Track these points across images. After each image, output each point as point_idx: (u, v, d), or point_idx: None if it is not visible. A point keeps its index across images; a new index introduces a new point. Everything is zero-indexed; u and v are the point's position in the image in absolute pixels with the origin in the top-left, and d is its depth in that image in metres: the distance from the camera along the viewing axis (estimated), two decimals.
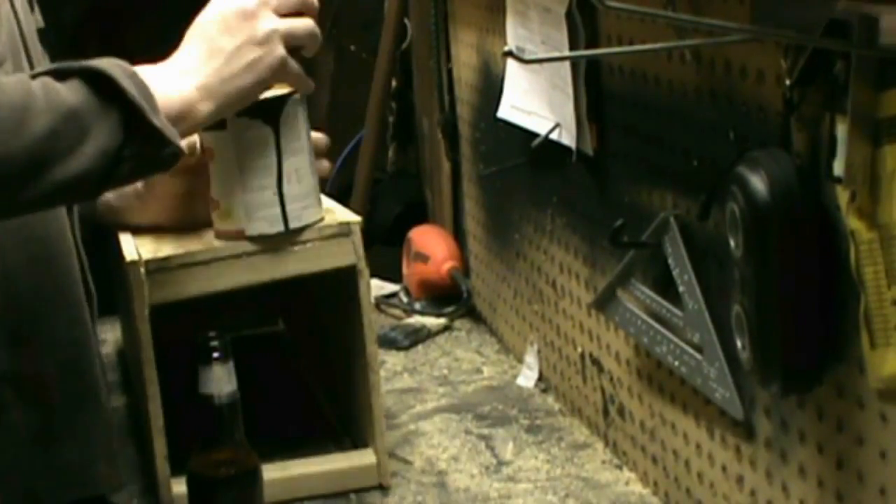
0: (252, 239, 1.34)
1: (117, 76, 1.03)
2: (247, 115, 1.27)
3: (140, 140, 1.04)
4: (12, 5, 1.17)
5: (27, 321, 1.15)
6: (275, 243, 1.34)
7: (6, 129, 0.97)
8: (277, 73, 1.20)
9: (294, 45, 1.21)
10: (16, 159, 0.98)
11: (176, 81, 1.12)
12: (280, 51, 1.19)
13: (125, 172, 1.05)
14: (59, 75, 1.03)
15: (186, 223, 1.40)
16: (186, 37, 1.18)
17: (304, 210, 1.35)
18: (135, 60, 1.13)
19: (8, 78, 1.02)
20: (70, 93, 1.02)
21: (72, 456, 1.19)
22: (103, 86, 1.03)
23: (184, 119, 1.12)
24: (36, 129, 0.98)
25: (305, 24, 1.22)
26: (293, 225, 1.34)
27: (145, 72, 1.10)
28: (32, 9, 1.23)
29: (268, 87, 1.23)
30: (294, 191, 1.33)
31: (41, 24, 1.24)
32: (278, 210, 1.33)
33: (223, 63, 1.16)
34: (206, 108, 1.14)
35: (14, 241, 1.13)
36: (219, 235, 1.35)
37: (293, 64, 1.21)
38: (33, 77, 1.03)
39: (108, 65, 1.05)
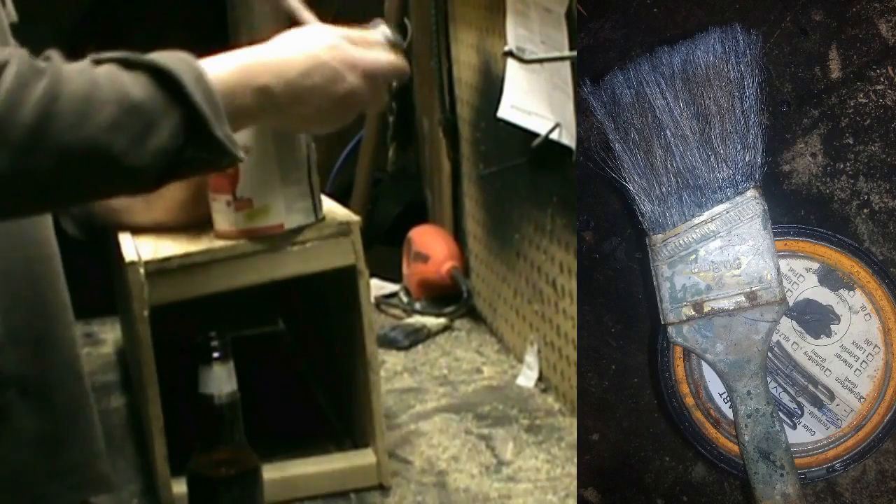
0: (288, 233, 1.34)
1: (185, 79, 1.02)
2: None
3: (201, 147, 1.04)
4: None
5: (29, 323, 1.15)
6: (303, 237, 1.35)
7: (68, 122, 0.96)
8: (320, 131, 1.24)
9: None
10: (76, 150, 0.97)
11: (255, 101, 1.11)
12: (353, 116, 1.20)
13: (182, 173, 1.05)
14: (126, 64, 1.02)
15: (188, 224, 1.40)
16: (297, 47, 1.15)
17: (322, 198, 1.39)
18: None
19: (72, 65, 1.00)
20: (136, 86, 1.00)
21: (77, 458, 1.19)
22: (170, 85, 1.02)
23: (239, 126, 1.12)
24: (99, 120, 0.97)
25: (396, 69, 1.23)
26: (319, 214, 1.37)
27: (230, 72, 1.09)
28: (4, 3, 1.22)
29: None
30: (314, 179, 1.36)
31: (14, 17, 1.22)
32: (310, 201, 1.36)
33: (309, 111, 1.15)
34: (261, 123, 1.18)
35: (12, 243, 1.13)
36: (247, 235, 1.34)
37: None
38: (98, 62, 1.02)
39: (177, 63, 1.03)
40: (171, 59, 1.04)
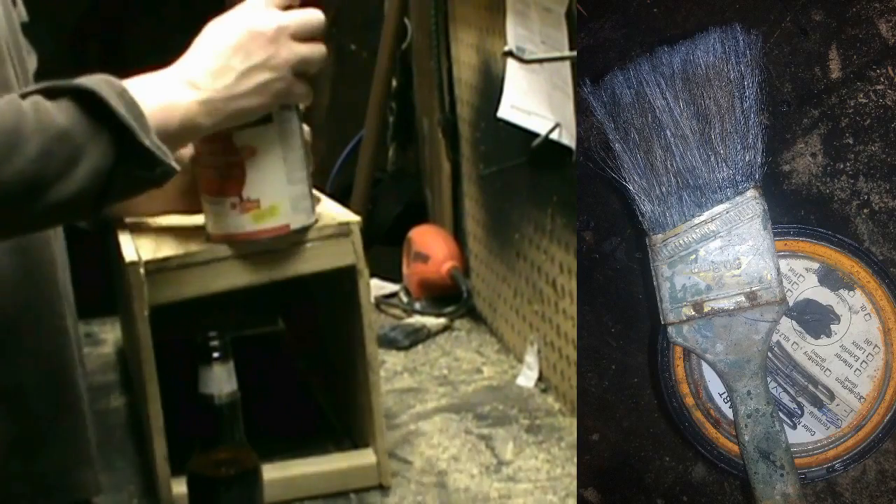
0: (294, 233, 1.34)
1: (107, 96, 1.02)
2: (286, 107, 1.28)
3: (132, 160, 1.04)
4: None
5: (9, 333, 1.15)
6: (303, 237, 1.35)
7: None
8: (280, 99, 1.21)
9: (304, 70, 1.22)
10: (9, 184, 0.97)
11: (180, 93, 1.12)
12: (289, 78, 1.20)
13: (118, 191, 1.05)
14: (49, 94, 1.02)
15: (190, 211, 1.40)
16: (198, 43, 1.17)
17: (315, 197, 1.38)
18: (139, 64, 1.13)
19: None
20: (60, 113, 1.01)
21: (50, 464, 1.19)
22: (94, 106, 1.02)
23: (183, 131, 1.12)
24: (28, 151, 0.98)
25: (319, 51, 1.22)
26: (315, 214, 1.37)
27: (147, 83, 1.10)
28: (15, 3, 1.22)
29: (269, 109, 1.23)
30: (309, 179, 1.35)
31: (25, 18, 1.22)
32: (310, 200, 1.35)
33: (232, 82, 1.16)
34: (205, 122, 1.15)
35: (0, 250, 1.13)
36: (255, 236, 1.33)
37: (299, 87, 1.22)
38: (23, 96, 1.02)
39: (98, 83, 1.03)
40: (93, 80, 1.04)
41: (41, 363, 1.17)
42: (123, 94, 1.04)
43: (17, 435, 1.15)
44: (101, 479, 1.24)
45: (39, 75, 1.23)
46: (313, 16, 1.22)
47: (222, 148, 1.29)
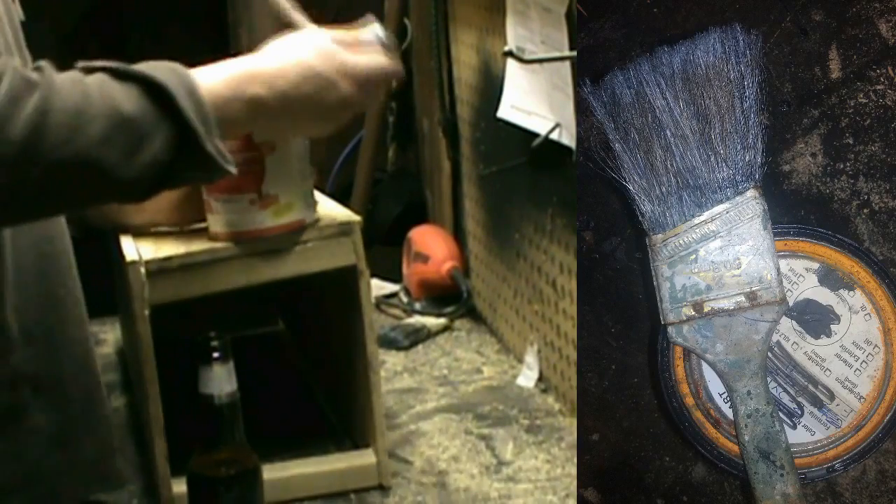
0: (306, 228, 1.35)
1: (176, 93, 1.01)
2: None
3: (191, 160, 1.04)
4: None
5: (41, 320, 1.15)
6: (303, 237, 1.35)
7: (60, 137, 0.96)
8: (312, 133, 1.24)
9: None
10: (68, 164, 0.97)
11: (246, 112, 1.10)
12: (346, 120, 1.20)
13: (172, 184, 1.05)
14: (118, 75, 1.01)
15: (181, 224, 1.40)
16: (289, 55, 1.14)
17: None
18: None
19: (63, 76, 1.00)
20: (127, 99, 1.00)
21: (90, 453, 1.19)
22: (161, 98, 1.01)
23: (230, 135, 1.12)
24: (91, 134, 0.97)
25: (389, 72, 1.22)
26: (316, 213, 1.38)
27: (222, 84, 1.08)
28: (14, 0, 1.22)
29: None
30: (313, 175, 1.36)
31: (21, 16, 1.22)
32: (313, 197, 1.37)
33: (301, 120, 1.16)
34: (253, 131, 1.17)
35: (24, 240, 1.13)
36: (274, 231, 1.33)
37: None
38: (89, 71, 1.02)
39: (169, 76, 1.02)
40: (163, 70, 1.03)
41: (73, 353, 1.18)
42: (193, 93, 1.03)
43: (58, 427, 1.16)
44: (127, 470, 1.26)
45: None
46: (391, 70, 1.22)
47: (242, 144, 1.29)
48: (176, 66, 1.05)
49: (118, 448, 1.24)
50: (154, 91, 1.01)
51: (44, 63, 1.00)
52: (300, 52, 1.15)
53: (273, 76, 1.12)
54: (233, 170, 1.07)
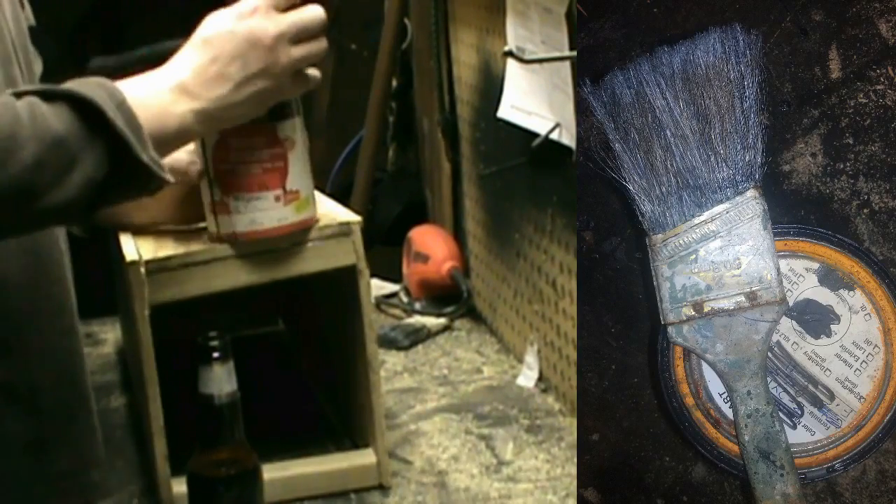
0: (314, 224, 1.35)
1: (105, 107, 1.00)
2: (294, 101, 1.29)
3: (127, 173, 1.02)
4: (0, 10, 1.15)
5: (20, 331, 1.15)
6: (304, 237, 1.36)
7: None
8: (275, 101, 1.19)
9: (302, 68, 1.19)
10: (2, 190, 0.97)
11: (175, 102, 1.09)
12: (286, 83, 1.17)
13: (110, 201, 1.04)
14: (46, 96, 1.01)
15: (182, 222, 1.40)
16: (194, 43, 1.13)
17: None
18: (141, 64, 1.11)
19: None
20: (56, 119, 0.99)
21: (64, 464, 1.19)
22: (91, 114, 1.00)
23: (177, 140, 1.10)
24: (23, 158, 0.96)
25: (318, 48, 1.19)
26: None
27: (140, 89, 1.07)
28: (23, 6, 1.21)
29: (259, 114, 1.20)
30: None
31: (32, 21, 1.22)
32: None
33: (229, 91, 1.13)
34: (200, 130, 1.12)
35: (8, 252, 1.13)
36: (295, 228, 1.33)
37: (296, 86, 1.19)
38: (19, 96, 1.02)
39: (97, 91, 1.02)
40: (91, 86, 1.02)
41: (53, 363, 1.17)
42: (122, 106, 1.02)
43: (31, 436, 1.15)
44: (110, 482, 1.25)
45: (44, 78, 1.23)
46: (313, 15, 1.18)
47: (267, 141, 1.29)
48: (104, 81, 1.04)
49: (103, 460, 1.23)
50: (83, 107, 1.00)
51: None
52: (210, 24, 1.14)
53: (187, 58, 1.11)
54: (169, 178, 1.06)
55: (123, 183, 1.03)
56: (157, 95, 1.08)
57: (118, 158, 1.01)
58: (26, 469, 1.15)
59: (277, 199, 1.31)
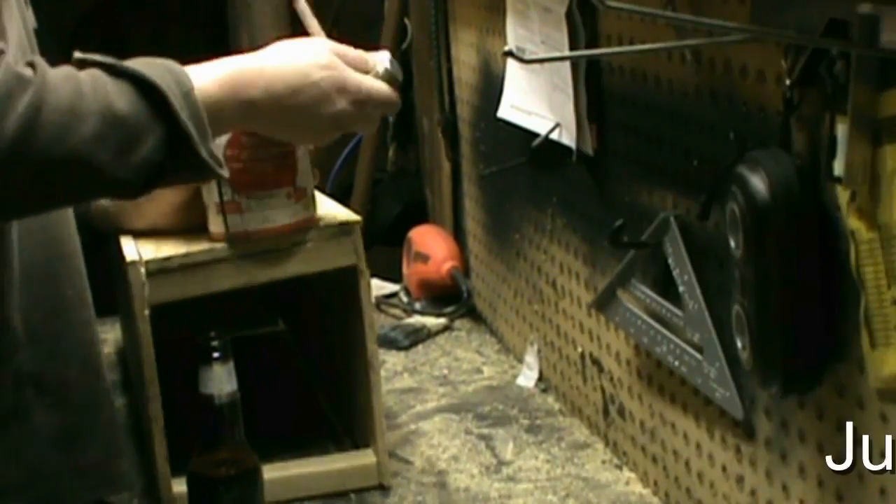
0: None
1: (171, 95, 1.01)
2: None
3: (183, 163, 1.04)
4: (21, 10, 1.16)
5: (47, 321, 1.15)
6: (304, 237, 1.36)
7: (52, 134, 0.96)
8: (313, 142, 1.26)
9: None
10: (59, 162, 0.97)
11: (238, 118, 1.11)
12: (337, 135, 1.21)
13: (163, 184, 1.05)
14: (113, 71, 1.01)
15: (182, 228, 1.40)
16: (290, 60, 1.14)
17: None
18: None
19: (57, 72, 0.99)
20: (120, 97, 0.99)
21: (94, 456, 1.19)
22: (156, 99, 1.01)
23: (221, 133, 1.13)
24: (83, 132, 0.97)
25: (369, 125, 1.22)
26: None
27: (212, 87, 1.08)
28: (28, 7, 1.22)
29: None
30: None
31: (34, 23, 1.23)
32: None
33: (285, 132, 1.17)
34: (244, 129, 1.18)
35: (33, 241, 1.13)
36: (304, 224, 1.34)
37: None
38: (84, 65, 1.02)
39: (165, 76, 1.02)
40: (159, 69, 1.03)
41: (78, 355, 1.18)
42: (188, 96, 1.03)
43: (61, 428, 1.16)
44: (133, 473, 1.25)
45: None
46: (385, 97, 1.20)
47: (278, 139, 1.30)
48: (172, 66, 1.05)
49: (125, 451, 1.23)
50: (148, 91, 1.01)
51: (37, 59, 0.99)
52: (302, 59, 1.15)
53: (271, 80, 1.12)
54: (225, 174, 1.07)
55: (180, 171, 1.04)
56: (224, 101, 1.09)
57: (177, 148, 1.02)
58: (57, 461, 1.16)
59: (289, 196, 1.32)
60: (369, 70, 1.20)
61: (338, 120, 1.16)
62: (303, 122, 1.15)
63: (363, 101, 1.17)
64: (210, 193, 1.33)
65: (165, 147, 1.02)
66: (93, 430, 1.19)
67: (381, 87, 1.20)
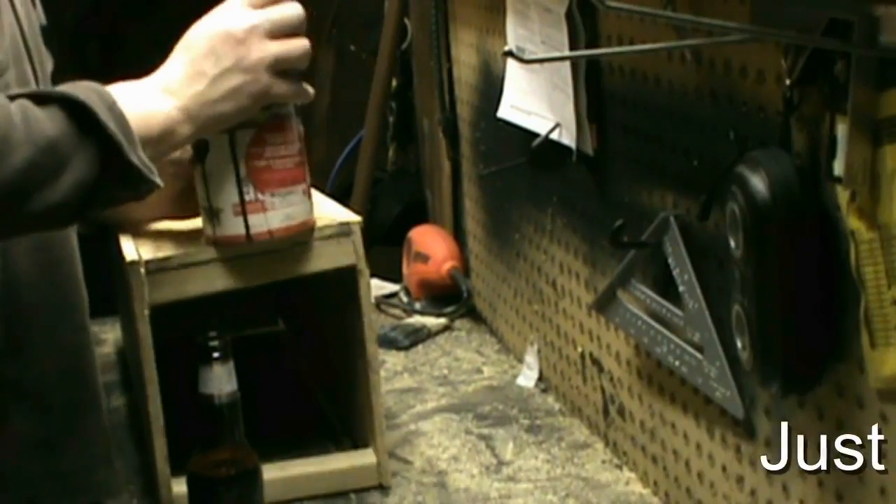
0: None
1: (97, 109, 1.02)
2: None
3: (117, 175, 1.03)
4: (13, 8, 1.16)
5: (31, 329, 1.15)
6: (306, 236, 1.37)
7: None
8: (259, 101, 1.19)
9: (284, 68, 1.19)
10: None
11: (159, 101, 1.11)
12: (264, 79, 1.17)
13: (100, 203, 1.05)
14: (39, 100, 1.02)
15: (184, 216, 1.40)
16: (175, 51, 1.16)
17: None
18: (139, 64, 1.12)
19: None
20: (49, 122, 1.00)
21: (72, 462, 1.19)
22: (82, 117, 1.01)
23: (164, 140, 1.11)
24: (15, 161, 0.97)
25: (297, 46, 1.19)
26: None
27: (127, 91, 1.08)
28: (35, 5, 1.22)
29: (251, 113, 1.21)
30: None
31: (43, 21, 1.23)
32: None
33: (206, 87, 1.14)
34: (186, 130, 1.13)
35: (19, 249, 1.13)
36: (313, 223, 1.35)
37: (280, 87, 1.19)
38: (12, 98, 1.02)
39: (88, 94, 1.03)
40: (83, 90, 1.03)
41: (62, 360, 1.18)
42: (113, 108, 1.03)
43: (40, 434, 1.16)
44: (121, 481, 1.25)
45: (54, 77, 1.23)
46: (289, 11, 1.19)
47: (297, 135, 1.30)
48: (95, 85, 1.06)
49: (111, 459, 1.23)
50: (75, 110, 1.01)
51: None
52: (188, 48, 1.15)
53: (183, 82, 1.13)
54: (159, 182, 1.07)
55: (114, 185, 1.04)
56: (143, 97, 1.10)
57: (109, 160, 1.02)
58: (34, 467, 1.15)
59: (304, 192, 1.33)
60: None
61: (242, 47, 1.15)
62: (216, 73, 1.14)
63: (256, 23, 1.16)
64: (225, 196, 1.32)
65: (97, 162, 1.02)
66: (74, 436, 1.19)
67: (269, 13, 1.18)
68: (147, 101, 1.10)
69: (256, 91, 1.17)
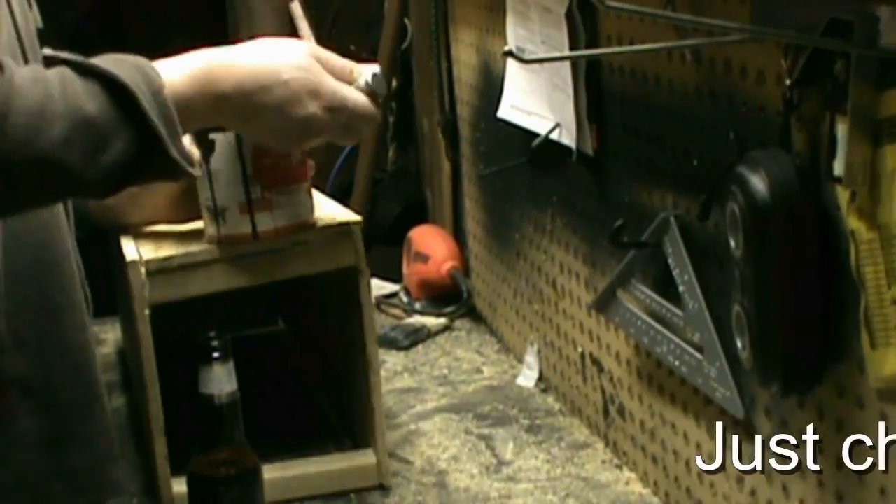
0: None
1: (140, 95, 1.00)
2: None
3: (154, 163, 1.03)
4: (10, 8, 1.15)
5: (35, 325, 1.15)
6: (304, 237, 1.36)
7: (21, 138, 0.95)
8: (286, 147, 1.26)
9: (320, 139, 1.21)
10: (28, 167, 0.97)
11: (209, 114, 1.10)
12: (313, 142, 1.20)
13: (134, 183, 1.05)
14: (81, 71, 1.00)
15: (181, 220, 1.40)
16: (265, 59, 1.13)
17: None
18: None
19: (24, 73, 0.98)
20: (88, 98, 0.99)
21: (81, 461, 1.19)
22: (125, 99, 1.00)
23: (191, 128, 1.12)
24: (52, 135, 0.96)
25: (347, 136, 1.22)
26: None
27: (182, 83, 1.07)
28: (31, 7, 1.21)
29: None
30: None
31: (40, 23, 1.22)
32: None
33: (257, 130, 1.16)
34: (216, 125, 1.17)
35: (18, 244, 1.13)
36: (315, 221, 1.35)
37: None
38: (52, 62, 1.01)
39: (134, 76, 1.01)
40: (128, 69, 1.02)
41: (67, 358, 1.17)
42: (158, 95, 1.02)
43: (48, 432, 1.15)
44: (126, 480, 1.25)
45: None
46: (363, 109, 1.19)
47: None
48: (141, 63, 1.03)
49: (117, 457, 1.23)
50: (117, 91, 1.00)
51: (5, 60, 0.98)
52: (276, 58, 1.13)
53: (241, 76, 1.11)
54: (196, 172, 1.07)
55: (150, 171, 1.04)
56: (194, 97, 1.08)
57: (148, 149, 1.01)
58: (43, 466, 1.15)
59: (307, 191, 1.33)
60: (352, 80, 1.18)
61: (308, 124, 1.14)
62: (271, 120, 1.13)
63: (337, 109, 1.15)
64: (231, 194, 1.32)
65: (135, 148, 1.01)
66: (81, 434, 1.19)
67: (358, 97, 1.18)
68: (195, 106, 1.08)
69: (292, 146, 1.25)
